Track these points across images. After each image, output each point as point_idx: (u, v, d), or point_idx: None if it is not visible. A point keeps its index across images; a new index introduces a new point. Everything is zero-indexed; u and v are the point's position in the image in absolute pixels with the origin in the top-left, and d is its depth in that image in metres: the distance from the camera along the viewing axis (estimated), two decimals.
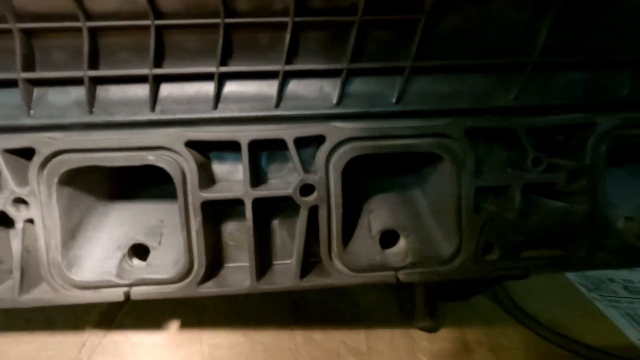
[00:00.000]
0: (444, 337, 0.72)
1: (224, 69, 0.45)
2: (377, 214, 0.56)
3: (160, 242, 0.52)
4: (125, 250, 0.50)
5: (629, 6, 0.47)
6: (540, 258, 0.51)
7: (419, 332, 0.72)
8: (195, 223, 0.47)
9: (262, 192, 0.47)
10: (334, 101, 0.48)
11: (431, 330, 0.72)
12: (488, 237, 0.50)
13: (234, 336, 0.64)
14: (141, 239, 0.51)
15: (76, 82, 0.45)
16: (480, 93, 0.50)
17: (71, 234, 0.47)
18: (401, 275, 0.50)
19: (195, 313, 0.68)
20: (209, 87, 0.47)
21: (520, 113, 0.50)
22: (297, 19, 0.43)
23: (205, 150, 0.51)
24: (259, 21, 0.43)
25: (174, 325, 0.65)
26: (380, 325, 0.73)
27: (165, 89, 0.47)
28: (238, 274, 0.51)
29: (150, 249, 0.51)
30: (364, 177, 0.61)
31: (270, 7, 0.43)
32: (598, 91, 0.50)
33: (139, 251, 0.52)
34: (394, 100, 0.49)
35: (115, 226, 0.54)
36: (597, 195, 0.49)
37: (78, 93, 0.46)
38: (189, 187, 0.46)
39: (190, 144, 0.46)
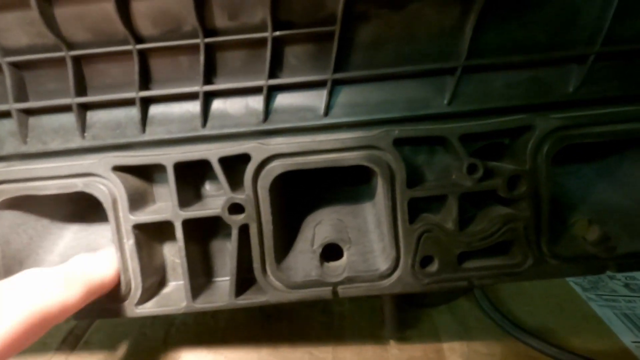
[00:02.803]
0: (417, 345, 0.70)
1: (144, 93, 0.46)
2: (323, 227, 0.55)
3: None
4: None
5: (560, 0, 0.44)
6: (484, 268, 0.49)
7: (392, 340, 0.70)
8: (128, 246, 0.48)
9: (191, 213, 0.47)
10: (261, 117, 0.48)
11: (402, 338, 0.70)
12: (426, 249, 0.48)
13: (197, 350, 0.65)
14: None
15: (8, 114, 0.47)
16: (414, 100, 0.48)
17: (16, 259, 0.49)
18: (340, 291, 0.49)
19: (163, 327, 0.69)
20: (135, 112, 0.47)
21: (457, 118, 0.48)
22: (208, 40, 0.43)
23: (146, 173, 0.51)
24: (169, 45, 0.43)
25: (141, 340, 0.67)
26: (351, 333, 0.72)
27: (94, 116, 0.48)
28: (180, 292, 0.51)
29: None
30: (318, 188, 0.61)
31: (180, 31, 0.43)
32: (541, 90, 0.48)
33: None
34: (321, 113, 0.48)
35: (69, 247, 0.56)
36: (541, 201, 0.47)
37: (11, 125, 0.47)
38: (120, 211, 0.47)
39: (120, 169, 0.47)
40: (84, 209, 0.60)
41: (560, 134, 0.46)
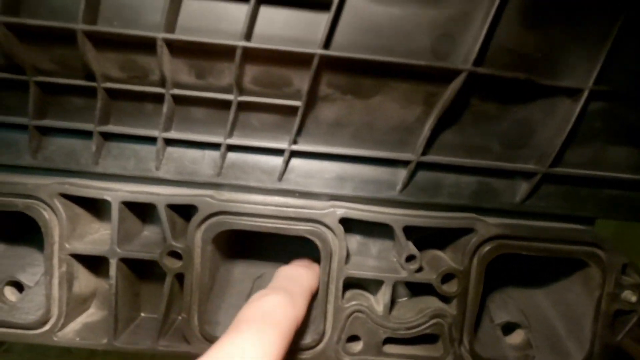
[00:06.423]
0: None
1: (102, 128, 0.46)
2: (263, 282, 0.55)
3: (38, 282, 0.52)
4: (1, 286, 0.51)
5: (518, 117, 0.46)
6: (406, 356, 0.50)
7: None
8: (59, 272, 0.47)
9: (127, 253, 0.47)
10: (217, 170, 0.48)
11: None
12: (354, 328, 0.49)
13: None
14: (18, 276, 0.52)
15: None
16: (367, 182, 0.49)
17: None
18: None
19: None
20: (92, 144, 0.47)
21: (406, 207, 0.49)
22: (173, 92, 0.43)
23: (93, 203, 0.51)
24: (135, 89, 0.44)
25: (65, 356, 0.66)
26: None
27: (50, 139, 0.48)
28: (105, 325, 0.51)
29: (25, 288, 0.51)
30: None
31: (147, 78, 0.43)
32: (489, 195, 0.49)
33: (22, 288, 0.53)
34: (276, 178, 0.48)
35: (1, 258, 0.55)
36: (470, 303, 0.48)
37: None
38: (56, 237, 0.47)
39: (66, 197, 0.47)
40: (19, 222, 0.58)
41: (498, 242, 0.47)
